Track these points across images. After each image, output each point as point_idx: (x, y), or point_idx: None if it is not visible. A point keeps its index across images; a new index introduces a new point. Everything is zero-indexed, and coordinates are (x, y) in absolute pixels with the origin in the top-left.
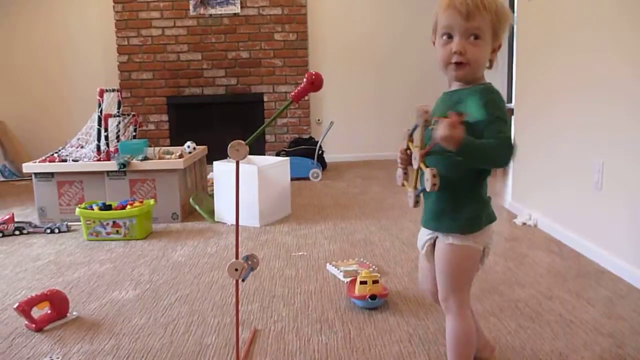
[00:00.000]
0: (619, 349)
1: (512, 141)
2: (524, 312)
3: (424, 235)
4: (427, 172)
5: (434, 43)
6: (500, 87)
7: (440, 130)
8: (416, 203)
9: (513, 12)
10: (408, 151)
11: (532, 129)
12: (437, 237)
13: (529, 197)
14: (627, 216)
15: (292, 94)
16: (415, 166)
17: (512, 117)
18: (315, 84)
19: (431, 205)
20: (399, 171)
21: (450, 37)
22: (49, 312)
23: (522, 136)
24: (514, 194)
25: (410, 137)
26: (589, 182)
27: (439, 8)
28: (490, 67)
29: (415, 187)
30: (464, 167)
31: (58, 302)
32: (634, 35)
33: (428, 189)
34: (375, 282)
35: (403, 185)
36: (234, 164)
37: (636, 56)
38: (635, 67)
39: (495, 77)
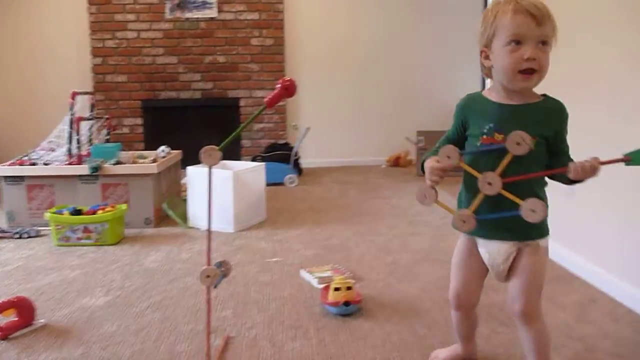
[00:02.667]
0: (589, 353)
1: None
2: (497, 317)
3: (500, 249)
4: (536, 204)
5: (482, 53)
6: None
7: (593, 174)
8: (474, 227)
9: None
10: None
11: None
12: (519, 247)
13: None
14: (598, 221)
15: (266, 99)
16: (491, 192)
17: None
18: (289, 89)
19: (511, 220)
20: (426, 189)
21: (518, 43)
22: (16, 319)
23: None
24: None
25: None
26: (560, 188)
27: (502, 14)
28: None
29: (473, 211)
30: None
31: (24, 309)
32: (591, 36)
33: (537, 220)
34: (349, 288)
35: (435, 203)
36: (208, 169)
37: (615, 63)
38: (612, 73)
39: (468, 84)
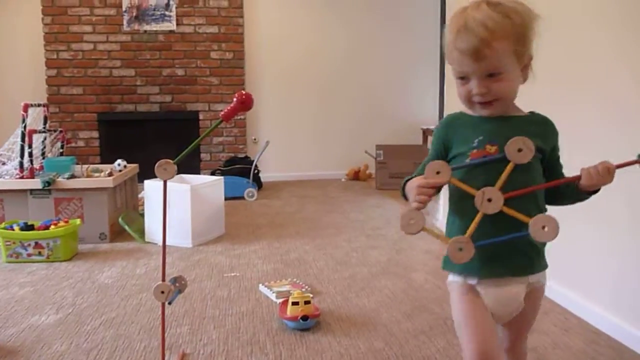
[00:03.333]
0: None
1: None
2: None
3: (515, 287)
4: (548, 220)
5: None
6: (433, 110)
7: (609, 178)
8: (472, 256)
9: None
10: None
11: None
12: (528, 284)
13: None
14: None
15: (222, 113)
16: (493, 210)
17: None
18: (246, 103)
19: (519, 247)
20: (412, 214)
21: (464, 78)
22: None
23: None
24: (446, 212)
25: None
26: None
27: (448, 42)
28: (524, 81)
29: (470, 236)
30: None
31: None
32: (579, 54)
33: (550, 239)
34: (307, 302)
35: (423, 230)
36: (167, 183)
37: (575, 79)
38: (582, 88)
39: (426, 100)
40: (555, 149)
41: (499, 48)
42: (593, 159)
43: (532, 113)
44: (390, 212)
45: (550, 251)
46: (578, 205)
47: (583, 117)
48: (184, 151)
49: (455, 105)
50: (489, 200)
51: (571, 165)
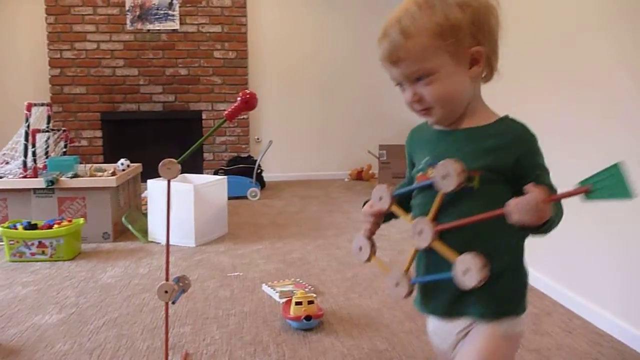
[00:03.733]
0: None
1: None
2: None
3: (448, 328)
4: (471, 261)
5: None
6: None
7: (536, 215)
8: (410, 293)
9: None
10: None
11: None
12: (471, 328)
13: None
14: (551, 235)
15: (226, 112)
16: (423, 245)
17: None
18: (250, 102)
19: (451, 286)
20: (361, 241)
21: (399, 84)
22: None
23: None
24: None
25: (394, 200)
26: None
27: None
28: (487, 79)
29: (407, 271)
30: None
31: None
32: (584, 55)
33: (471, 285)
34: (310, 302)
35: (368, 261)
36: (171, 183)
37: (584, 79)
38: (586, 90)
39: None
40: (522, 164)
41: (415, 47)
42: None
43: (500, 120)
44: None
45: (553, 252)
46: (580, 205)
47: (589, 115)
48: (186, 151)
49: None
50: (420, 232)
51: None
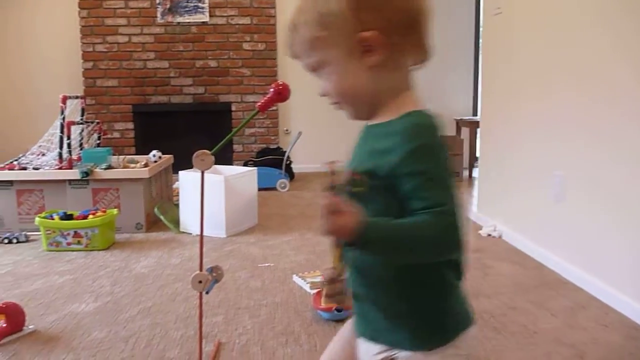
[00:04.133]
0: (580, 359)
1: (455, 215)
2: (489, 323)
3: (370, 351)
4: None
5: None
6: (467, 100)
7: (324, 222)
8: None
9: (478, 28)
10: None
11: (496, 141)
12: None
13: (494, 208)
14: (587, 227)
15: (259, 103)
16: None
17: (478, 130)
18: (282, 94)
19: (374, 308)
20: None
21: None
22: (4, 325)
23: (487, 148)
24: (479, 205)
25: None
26: (551, 193)
27: None
28: (403, 66)
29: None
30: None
31: (13, 315)
32: (598, 50)
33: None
34: None
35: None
36: (200, 174)
37: (598, 72)
38: (596, 81)
39: (459, 90)
40: (396, 172)
41: (302, 40)
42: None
43: (402, 117)
44: None
45: (589, 245)
46: (619, 200)
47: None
48: (216, 142)
49: (493, 95)
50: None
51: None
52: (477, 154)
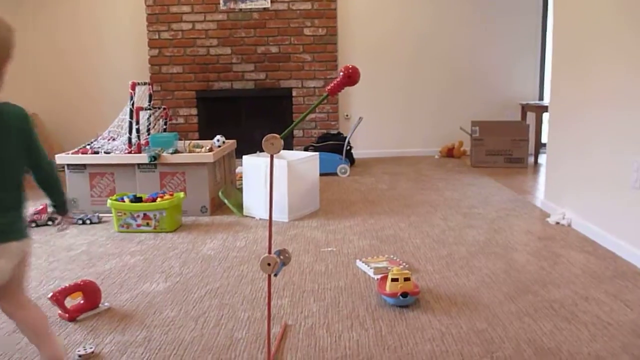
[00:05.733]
0: None
1: None
2: (560, 312)
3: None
4: None
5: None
6: (532, 84)
7: None
8: None
9: (546, 9)
10: None
11: (567, 127)
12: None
13: (563, 196)
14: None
15: (329, 87)
16: None
17: (546, 115)
18: (353, 77)
19: None
20: None
21: None
22: (82, 302)
23: (557, 134)
24: (547, 192)
25: None
26: (627, 181)
27: None
28: None
29: None
30: None
31: (91, 293)
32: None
33: None
34: (406, 279)
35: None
36: (264, 158)
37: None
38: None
39: (524, 74)
40: None
41: None
42: None
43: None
44: (487, 190)
45: None
46: None
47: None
48: (279, 127)
49: (564, 78)
50: None
51: None
52: (543, 140)
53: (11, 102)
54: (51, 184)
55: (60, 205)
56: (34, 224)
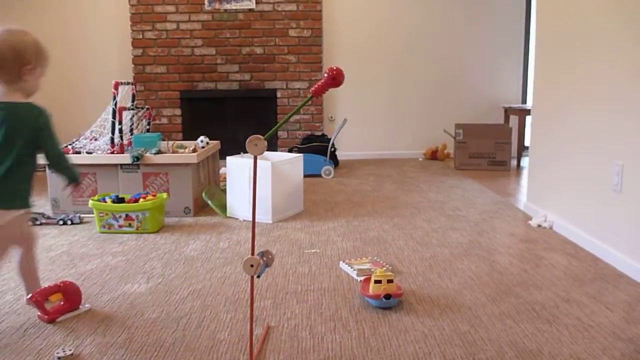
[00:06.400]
0: (639, 354)
1: None
2: (541, 315)
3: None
4: None
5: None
6: (515, 87)
7: None
8: None
9: (529, 13)
10: None
11: (550, 130)
12: None
13: (545, 199)
14: None
15: (313, 89)
16: None
17: (528, 118)
18: (337, 79)
19: None
20: None
21: None
22: (62, 303)
23: (539, 137)
24: (530, 195)
25: None
26: (608, 183)
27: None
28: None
29: None
30: None
31: (71, 294)
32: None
33: None
34: (389, 281)
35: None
36: (248, 159)
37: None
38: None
39: (507, 77)
40: None
41: None
42: None
43: None
44: (471, 192)
45: None
46: None
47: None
48: (263, 128)
49: (546, 82)
50: None
51: None
52: (526, 143)
53: (33, 103)
54: (59, 170)
55: (71, 181)
56: None
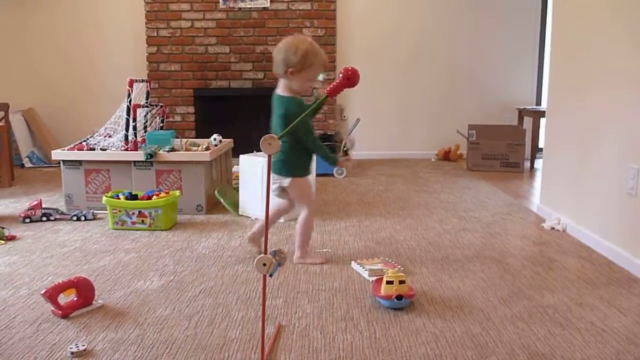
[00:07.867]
0: None
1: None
2: (554, 318)
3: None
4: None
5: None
6: (530, 89)
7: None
8: None
9: (545, 14)
10: None
11: (564, 133)
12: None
13: (558, 201)
14: None
15: (328, 89)
16: None
17: (543, 120)
18: (352, 79)
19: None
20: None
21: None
22: (75, 299)
23: (554, 139)
24: (543, 197)
25: None
26: (623, 187)
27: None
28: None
29: None
30: None
31: (84, 290)
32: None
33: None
34: (401, 282)
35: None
36: (261, 158)
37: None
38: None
39: (522, 78)
40: None
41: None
42: None
43: None
44: (483, 194)
45: None
46: None
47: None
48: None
49: (562, 84)
50: None
51: None
52: (540, 145)
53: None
54: (314, 151)
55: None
56: (28, 220)
